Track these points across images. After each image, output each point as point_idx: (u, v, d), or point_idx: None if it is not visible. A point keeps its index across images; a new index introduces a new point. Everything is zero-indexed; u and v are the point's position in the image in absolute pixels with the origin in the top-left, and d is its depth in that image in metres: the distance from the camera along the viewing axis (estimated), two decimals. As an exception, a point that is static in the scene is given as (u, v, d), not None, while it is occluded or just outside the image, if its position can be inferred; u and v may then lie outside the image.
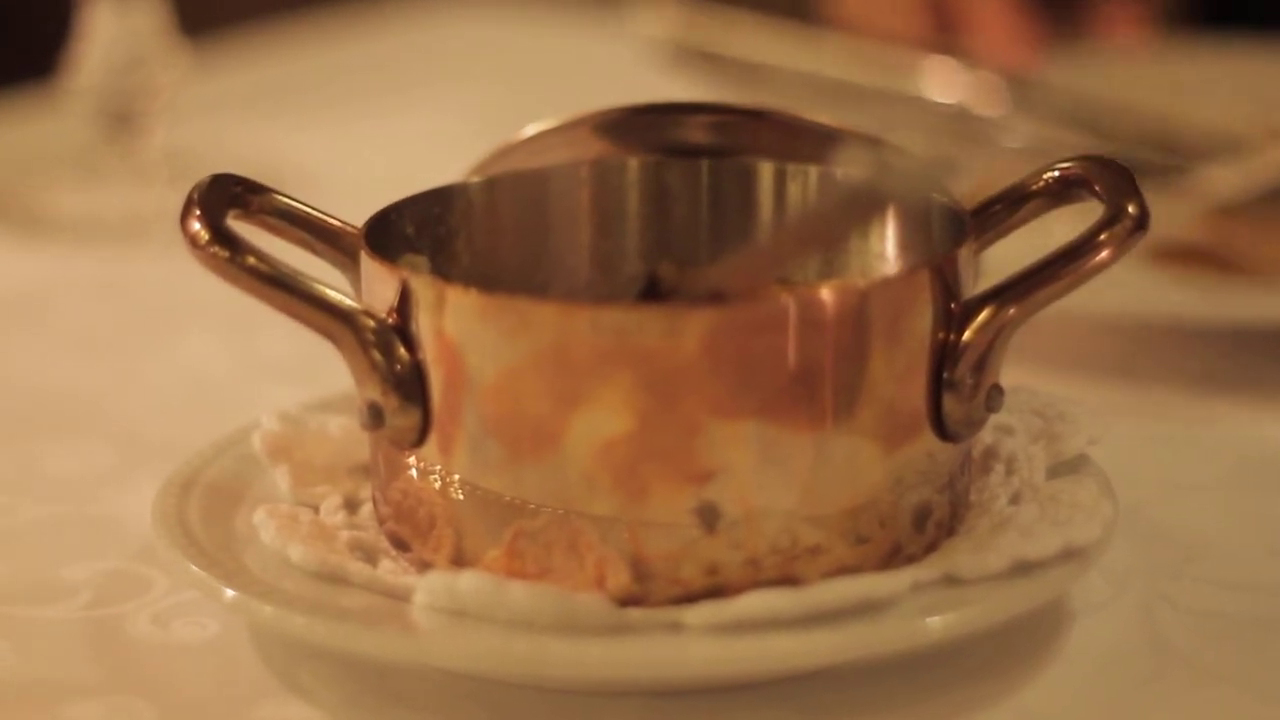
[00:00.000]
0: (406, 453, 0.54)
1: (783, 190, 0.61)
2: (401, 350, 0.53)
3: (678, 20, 1.00)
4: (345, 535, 0.56)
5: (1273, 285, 0.76)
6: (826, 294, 0.52)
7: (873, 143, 0.60)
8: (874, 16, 1.05)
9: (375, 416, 0.54)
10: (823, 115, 0.60)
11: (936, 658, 0.53)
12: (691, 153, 0.62)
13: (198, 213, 0.54)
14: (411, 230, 0.58)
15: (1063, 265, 0.55)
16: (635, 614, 0.51)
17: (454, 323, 0.52)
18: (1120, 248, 0.55)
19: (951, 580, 0.52)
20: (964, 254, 0.55)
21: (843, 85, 0.94)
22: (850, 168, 0.59)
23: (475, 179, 0.61)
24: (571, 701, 0.53)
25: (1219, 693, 0.53)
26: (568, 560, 0.52)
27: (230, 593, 0.52)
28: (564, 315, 0.51)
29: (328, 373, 0.59)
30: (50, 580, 0.60)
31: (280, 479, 0.58)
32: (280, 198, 0.57)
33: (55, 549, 0.62)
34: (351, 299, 0.55)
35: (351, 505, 0.58)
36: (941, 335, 0.54)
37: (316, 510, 0.57)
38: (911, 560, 0.53)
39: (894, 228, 0.59)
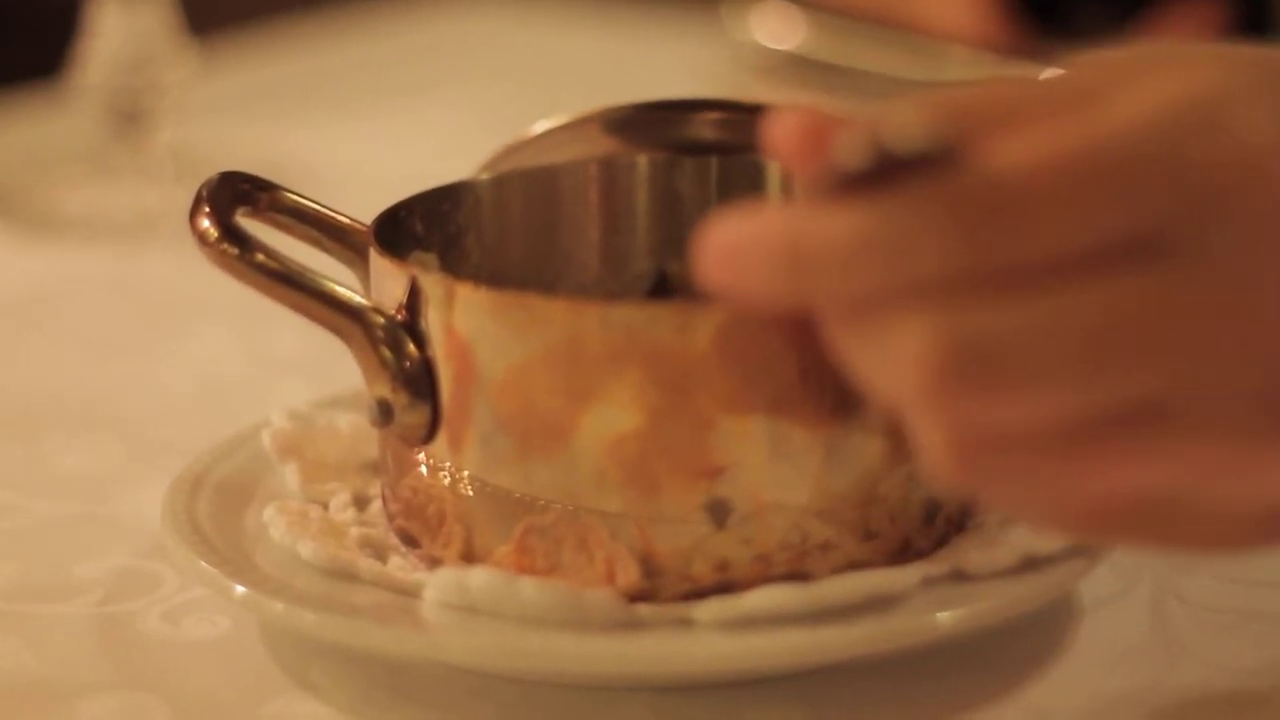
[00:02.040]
0: (416, 449, 0.54)
1: (792, 187, 0.61)
2: (411, 347, 0.53)
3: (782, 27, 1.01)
4: (355, 532, 0.56)
5: None
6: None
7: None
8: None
9: (385, 413, 0.54)
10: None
11: (946, 653, 0.53)
12: (701, 150, 0.62)
13: (207, 210, 0.55)
14: (420, 227, 0.59)
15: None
16: (645, 610, 0.51)
17: (463, 319, 0.52)
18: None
19: (961, 575, 0.52)
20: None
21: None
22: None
23: (484, 176, 0.61)
24: (581, 697, 0.53)
25: (1229, 688, 0.53)
26: (577, 556, 0.52)
27: (240, 589, 0.53)
28: (574, 312, 0.51)
29: (337, 370, 0.59)
30: (61, 578, 0.60)
31: (290, 476, 0.59)
32: (289, 195, 0.57)
33: (66, 547, 0.62)
34: (360, 296, 0.55)
35: (361, 502, 0.58)
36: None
37: (326, 507, 0.57)
38: (921, 556, 0.54)
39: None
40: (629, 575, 0.52)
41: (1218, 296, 0.42)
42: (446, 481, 0.54)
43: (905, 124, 0.42)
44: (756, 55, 1.05)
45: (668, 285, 0.61)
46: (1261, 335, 0.42)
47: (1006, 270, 0.41)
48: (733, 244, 0.43)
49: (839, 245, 0.42)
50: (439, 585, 0.51)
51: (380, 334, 0.54)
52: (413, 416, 0.54)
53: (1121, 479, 0.43)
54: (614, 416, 0.51)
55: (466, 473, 0.53)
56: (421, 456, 0.54)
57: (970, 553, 0.53)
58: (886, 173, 0.42)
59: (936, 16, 1.05)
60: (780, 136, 0.44)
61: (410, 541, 0.55)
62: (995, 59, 0.98)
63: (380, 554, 0.55)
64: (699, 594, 0.52)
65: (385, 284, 0.54)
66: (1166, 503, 0.44)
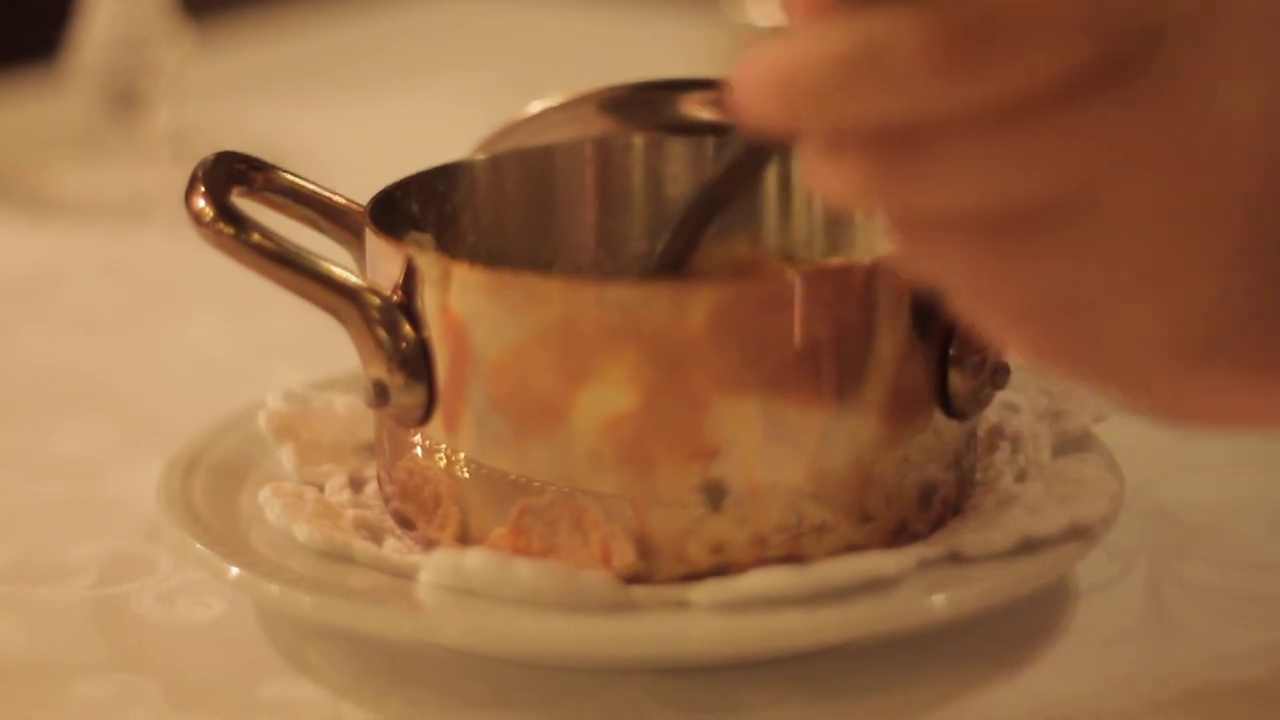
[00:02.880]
0: (412, 431, 0.54)
1: (787, 165, 0.61)
2: (407, 327, 0.53)
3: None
4: (350, 514, 0.56)
5: None
6: (832, 271, 0.52)
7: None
8: None
9: (380, 394, 0.54)
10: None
11: (942, 635, 0.53)
12: (696, 129, 0.61)
13: (202, 189, 0.54)
14: (416, 207, 0.58)
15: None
16: (641, 592, 0.51)
17: (459, 299, 0.52)
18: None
19: (957, 558, 0.52)
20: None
21: None
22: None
23: (480, 156, 0.61)
24: (577, 679, 0.53)
25: (1225, 671, 0.53)
26: (573, 538, 0.52)
27: (235, 571, 0.52)
28: (570, 291, 0.51)
29: (333, 351, 0.59)
30: (56, 560, 0.60)
31: (285, 458, 0.58)
32: (285, 175, 0.57)
33: (61, 528, 0.62)
34: (356, 276, 0.55)
35: (356, 484, 0.58)
36: (947, 311, 0.53)
37: (322, 489, 0.57)
38: (917, 538, 0.53)
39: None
40: (625, 557, 0.52)
41: (1164, 112, 0.43)
42: (442, 463, 0.53)
43: None
44: (751, 36, 1.05)
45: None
46: (1201, 159, 0.43)
47: (974, 89, 0.42)
48: (749, 76, 0.43)
49: (819, 66, 0.42)
50: (434, 567, 0.51)
51: (376, 314, 0.53)
52: (408, 397, 0.53)
53: (1042, 274, 0.44)
54: (609, 397, 0.51)
55: (462, 454, 0.53)
56: (417, 438, 0.54)
57: (967, 535, 0.53)
58: None
59: None
60: None
61: (406, 523, 0.55)
62: None
63: (376, 536, 0.55)
64: (695, 576, 0.52)
65: (381, 264, 0.54)
66: (1085, 313, 0.44)
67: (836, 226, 0.61)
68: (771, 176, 0.61)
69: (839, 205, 0.45)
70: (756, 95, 0.43)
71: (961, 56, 0.42)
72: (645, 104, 0.61)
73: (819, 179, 0.44)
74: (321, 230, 0.57)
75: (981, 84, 0.42)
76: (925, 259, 0.44)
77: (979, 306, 0.45)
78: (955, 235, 0.44)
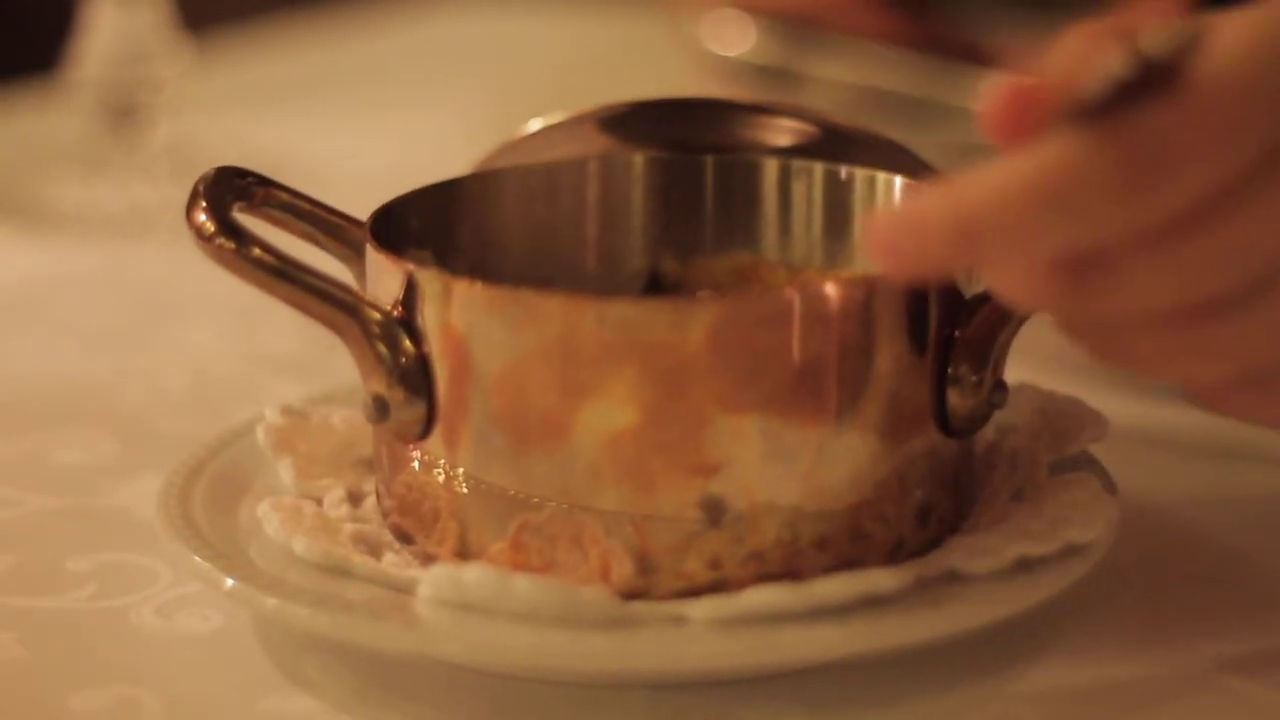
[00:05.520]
0: (411, 446, 0.54)
1: (787, 185, 0.61)
2: (407, 343, 0.53)
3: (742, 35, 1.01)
4: (349, 528, 0.56)
5: None
6: (832, 288, 0.52)
7: (877, 138, 0.61)
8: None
9: (380, 409, 0.54)
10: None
11: (938, 652, 0.53)
12: (696, 148, 0.62)
13: (204, 204, 0.54)
14: (416, 224, 0.59)
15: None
16: (639, 607, 0.51)
17: (459, 315, 0.52)
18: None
19: (954, 576, 0.52)
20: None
21: (917, 101, 0.94)
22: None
23: (480, 173, 0.61)
24: (575, 694, 0.53)
25: (1223, 687, 0.53)
26: (572, 553, 0.52)
27: (234, 584, 0.52)
28: (570, 308, 0.51)
29: (332, 365, 0.59)
30: (55, 572, 0.60)
31: (284, 472, 0.59)
32: (285, 190, 0.57)
33: (60, 541, 0.62)
34: (357, 292, 0.55)
35: (355, 498, 0.58)
36: (946, 330, 0.54)
37: (320, 503, 0.57)
38: (914, 556, 0.54)
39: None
40: (623, 572, 0.52)
41: None
42: (441, 478, 0.54)
43: (1154, 31, 0.44)
44: (709, 61, 1.05)
45: (662, 284, 0.61)
46: None
47: (1153, 207, 0.44)
48: (898, 224, 0.46)
49: (1002, 207, 0.45)
50: (433, 582, 0.51)
51: (376, 330, 0.54)
52: (408, 413, 0.53)
53: (1249, 347, 0.46)
54: (609, 413, 0.51)
55: (461, 469, 0.53)
56: (416, 453, 0.54)
57: (964, 554, 0.53)
58: (1114, 106, 0.43)
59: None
60: (993, 110, 0.46)
61: (404, 538, 0.55)
62: (930, 60, 0.97)
63: (374, 550, 0.55)
64: (693, 592, 0.52)
65: (381, 280, 0.54)
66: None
67: (836, 241, 0.61)
68: (770, 194, 0.62)
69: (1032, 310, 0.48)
70: (920, 241, 0.45)
71: (1139, 180, 0.44)
72: (645, 121, 0.61)
73: (1010, 295, 0.46)
74: (322, 245, 0.58)
75: (1159, 200, 0.44)
76: (1125, 358, 0.47)
77: (1192, 386, 0.48)
78: (1152, 332, 0.46)
